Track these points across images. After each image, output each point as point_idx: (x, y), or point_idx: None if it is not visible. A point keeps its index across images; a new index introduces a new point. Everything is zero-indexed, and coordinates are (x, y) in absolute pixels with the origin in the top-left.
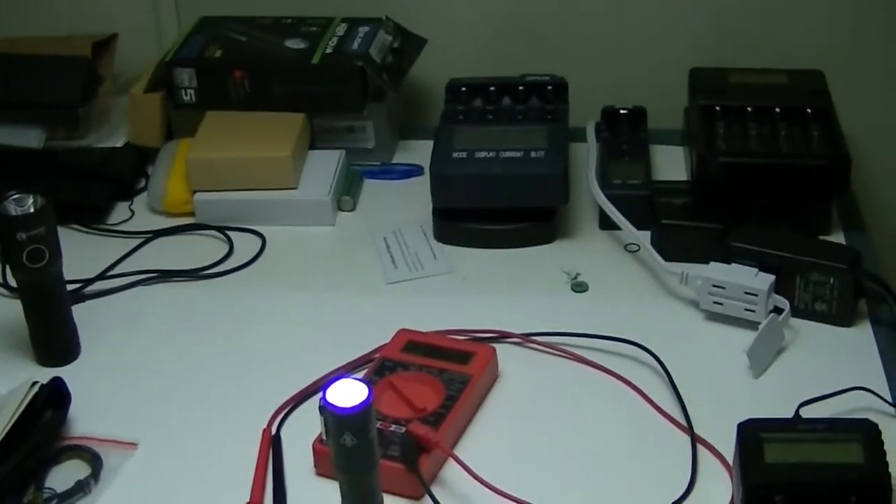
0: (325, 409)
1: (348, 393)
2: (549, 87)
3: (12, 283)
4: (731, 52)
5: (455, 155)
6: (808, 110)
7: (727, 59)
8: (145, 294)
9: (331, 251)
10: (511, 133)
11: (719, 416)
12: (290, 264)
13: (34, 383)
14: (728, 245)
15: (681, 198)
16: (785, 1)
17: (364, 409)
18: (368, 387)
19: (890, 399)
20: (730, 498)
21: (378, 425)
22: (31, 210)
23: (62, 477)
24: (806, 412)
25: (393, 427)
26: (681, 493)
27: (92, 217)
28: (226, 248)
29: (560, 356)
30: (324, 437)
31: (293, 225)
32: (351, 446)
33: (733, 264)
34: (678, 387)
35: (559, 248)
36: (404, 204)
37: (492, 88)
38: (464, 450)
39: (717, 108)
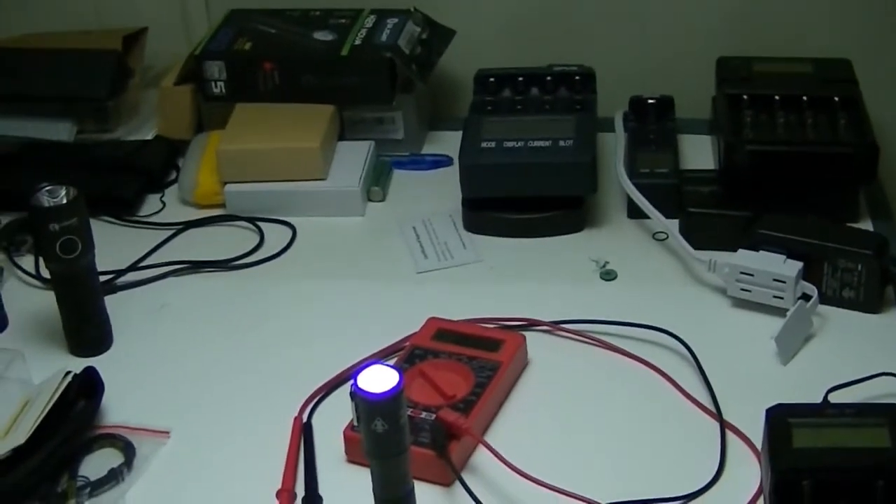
0: (357, 394)
1: (379, 379)
2: (577, 77)
3: (45, 274)
4: (757, 41)
5: (484, 145)
6: (836, 98)
7: (754, 48)
8: (177, 285)
9: (361, 241)
10: (539, 123)
11: (748, 402)
12: (321, 254)
13: (67, 373)
14: (756, 232)
15: (708, 186)
16: None
17: (395, 395)
18: (399, 373)
19: None
20: (758, 483)
21: (409, 412)
22: (64, 201)
23: (95, 465)
24: (834, 398)
25: (423, 414)
26: (710, 478)
27: (123, 209)
28: (256, 239)
29: (589, 343)
30: (355, 423)
31: (323, 215)
32: (382, 432)
33: (761, 252)
34: (707, 373)
35: (588, 236)
36: (433, 194)
37: (520, 79)
38: (494, 436)
39: (745, 96)
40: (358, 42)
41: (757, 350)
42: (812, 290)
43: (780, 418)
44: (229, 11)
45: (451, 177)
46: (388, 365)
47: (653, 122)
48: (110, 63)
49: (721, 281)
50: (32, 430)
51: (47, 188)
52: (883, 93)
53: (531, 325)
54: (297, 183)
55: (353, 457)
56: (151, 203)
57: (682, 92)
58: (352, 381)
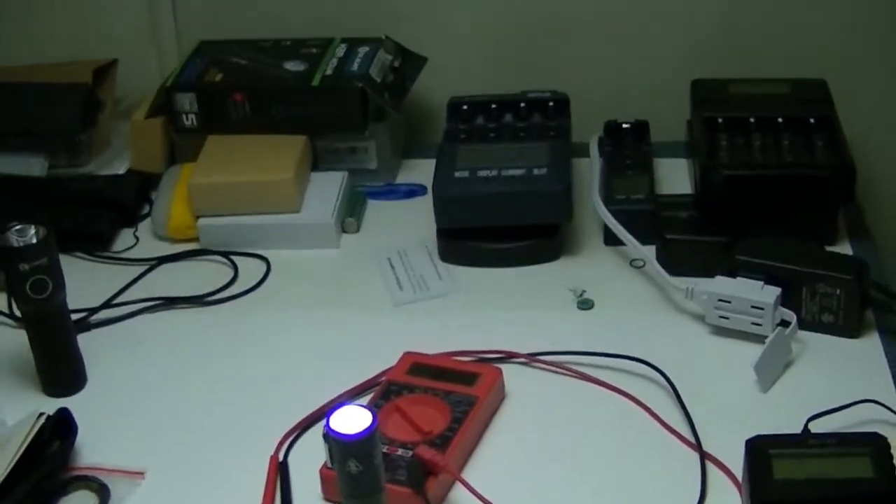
0: (329, 436)
1: (352, 419)
2: (551, 104)
3: (18, 313)
4: (732, 62)
5: (457, 174)
6: (811, 120)
7: (728, 70)
8: (151, 321)
9: (336, 274)
10: (513, 150)
11: (728, 431)
12: (295, 288)
13: (41, 414)
14: (733, 258)
15: (685, 211)
16: (786, 10)
17: (368, 436)
18: (372, 413)
19: None
20: None
21: (385, 449)
22: (34, 241)
23: None
24: (815, 426)
25: (400, 451)
26: None
27: (96, 245)
28: (230, 273)
29: (566, 375)
30: (329, 464)
31: (297, 248)
32: (356, 473)
33: (739, 278)
34: (686, 403)
35: (564, 265)
36: (409, 224)
37: (493, 106)
38: (471, 472)
39: (720, 119)
40: (329, 72)
41: (736, 378)
42: (791, 316)
43: (760, 449)
44: (199, 43)
45: (425, 206)
46: (360, 405)
47: (628, 147)
48: (80, 96)
49: (699, 308)
50: (6, 472)
51: (17, 227)
52: (859, 113)
53: (508, 357)
54: (271, 216)
55: (329, 495)
56: (125, 238)
57: (658, 115)
58: (324, 422)
